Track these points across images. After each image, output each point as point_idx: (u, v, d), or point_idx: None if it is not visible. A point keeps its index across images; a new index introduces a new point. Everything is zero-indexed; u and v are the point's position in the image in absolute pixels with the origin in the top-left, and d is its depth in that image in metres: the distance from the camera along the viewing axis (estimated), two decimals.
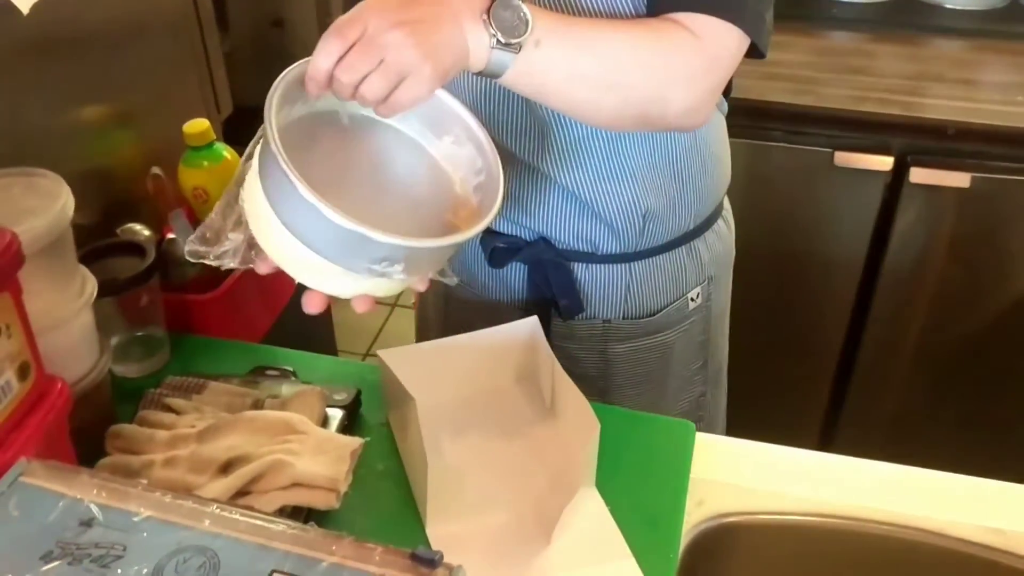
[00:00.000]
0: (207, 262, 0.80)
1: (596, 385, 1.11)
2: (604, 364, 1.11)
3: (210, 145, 1.13)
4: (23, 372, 0.74)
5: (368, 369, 1.03)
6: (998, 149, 1.52)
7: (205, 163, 1.13)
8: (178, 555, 0.61)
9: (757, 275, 1.71)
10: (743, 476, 0.93)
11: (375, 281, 0.75)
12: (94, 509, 0.64)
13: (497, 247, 1.05)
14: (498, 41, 0.75)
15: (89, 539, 0.62)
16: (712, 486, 0.91)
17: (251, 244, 0.78)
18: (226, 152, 1.15)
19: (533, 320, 0.96)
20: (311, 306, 0.78)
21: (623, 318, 1.09)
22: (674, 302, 1.10)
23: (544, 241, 1.04)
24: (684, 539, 0.86)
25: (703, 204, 1.08)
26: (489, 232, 1.05)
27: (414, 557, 0.60)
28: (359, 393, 0.97)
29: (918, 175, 1.53)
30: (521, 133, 0.97)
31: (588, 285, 1.07)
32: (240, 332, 1.14)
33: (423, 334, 1.26)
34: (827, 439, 1.88)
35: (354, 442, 0.85)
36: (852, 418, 1.85)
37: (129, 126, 1.22)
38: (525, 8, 0.76)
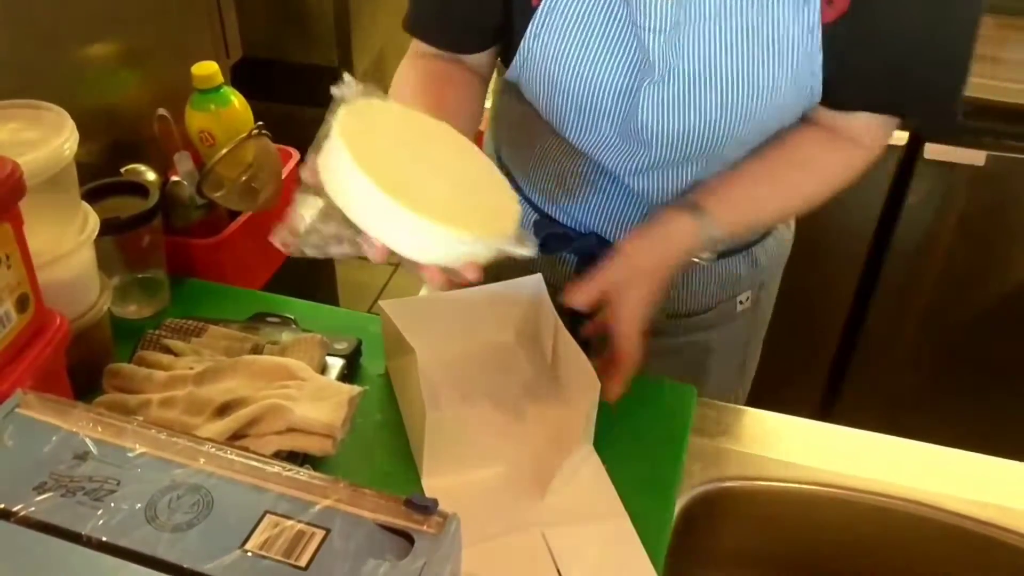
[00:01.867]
0: (309, 253, 0.77)
1: None
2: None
3: (218, 88, 1.12)
4: (22, 304, 0.73)
5: (369, 320, 1.03)
6: (1016, 128, 1.50)
7: (212, 106, 1.11)
8: (171, 492, 0.61)
9: None
10: (742, 442, 0.92)
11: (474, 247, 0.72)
12: (89, 443, 0.63)
13: (552, 234, 1.03)
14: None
15: (83, 472, 0.62)
16: (711, 450, 0.91)
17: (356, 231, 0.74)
18: (234, 96, 1.14)
19: (537, 278, 0.95)
20: (434, 283, 0.74)
21: (665, 315, 1.05)
22: (721, 303, 1.07)
23: (596, 236, 1.02)
24: (680, 502, 0.85)
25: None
26: (544, 218, 1.04)
27: (409, 504, 0.60)
28: (360, 343, 0.96)
29: (933, 151, 1.51)
30: (617, 148, 0.93)
31: None
32: (241, 279, 1.14)
33: None
34: (826, 411, 1.88)
35: (353, 390, 0.84)
36: (852, 392, 1.84)
37: (137, 65, 1.21)
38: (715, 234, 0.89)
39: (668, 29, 0.81)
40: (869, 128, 0.90)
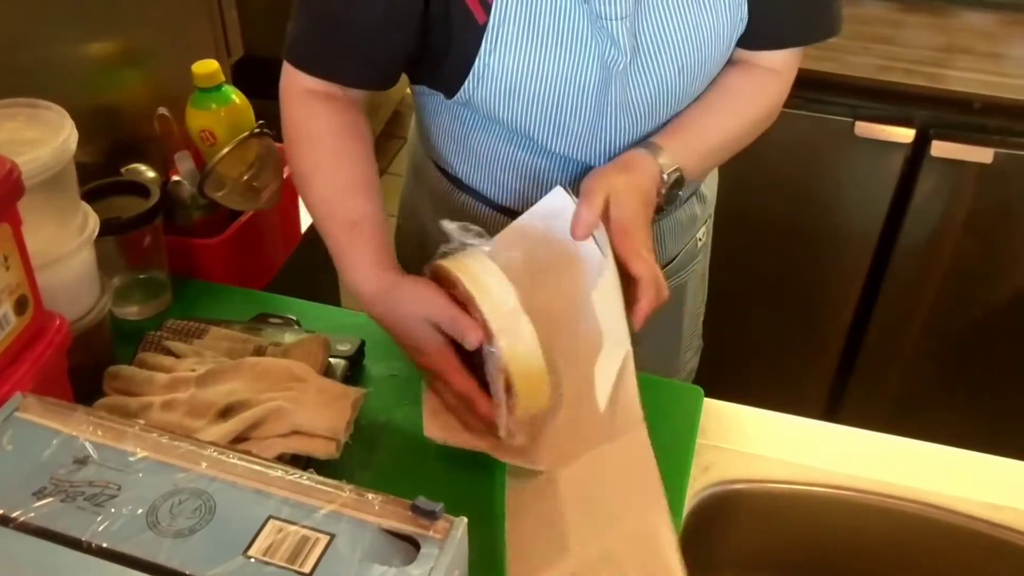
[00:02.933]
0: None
1: None
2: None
3: (219, 87, 1.11)
4: (21, 306, 0.72)
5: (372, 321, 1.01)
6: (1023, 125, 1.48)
7: (213, 105, 1.10)
8: (173, 497, 0.60)
9: (770, 243, 1.69)
10: (750, 443, 0.92)
11: None
12: (89, 447, 0.63)
13: None
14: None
15: (83, 477, 0.61)
16: (719, 452, 0.90)
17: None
18: (235, 95, 1.12)
19: (558, 191, 0.91)
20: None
21: None
22: (687, 245, 1.14)
23: None
24: (688, 503, 0.85)
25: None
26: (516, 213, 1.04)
27: (414, 508, 0.59)
28: (363, 344, 0.95)
29: (940, 149, 1.50)
30: (586, 142, 0.97)
31: None
32: (244, 279, 1.13)
33: None
34: (833, 410, 1.87)
35: (356, 392, 0.83)
36: (859, 391, 1.83)
37: (137, 64, 1.20)
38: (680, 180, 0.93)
39: (630, 13, 0.86)
40: (781, 59, 1.00)
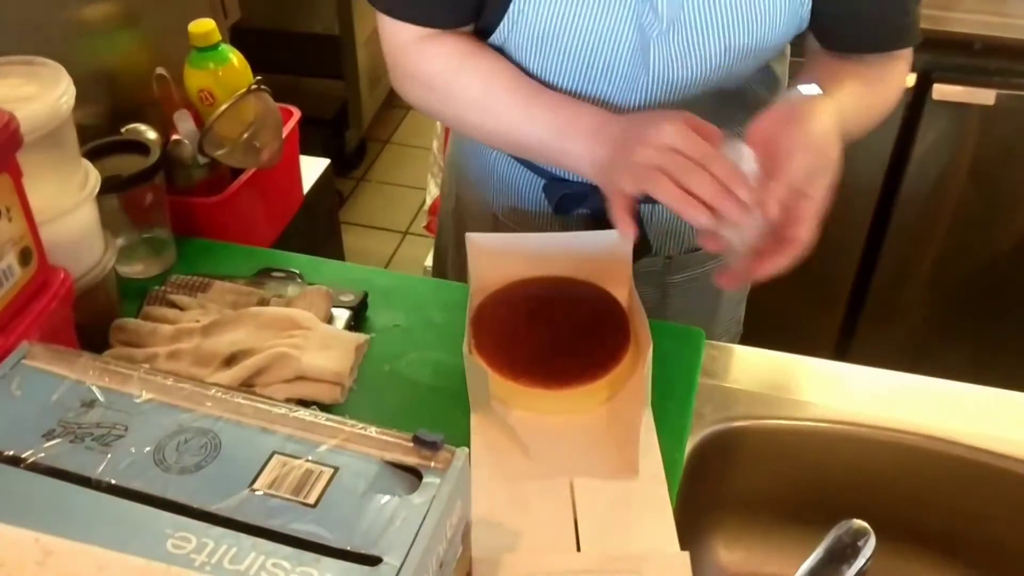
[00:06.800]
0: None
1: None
2: (661, 296, 1.08)
3: (216, 46, 1.10)
4: (25, 257, 0.73)
5: (376, 274, 1.02)
6: None
7: (211, 64, 1.10)
8: (179, 436, 0.61)
9: None
10: (752, 382, 0.92)
11: None
12: (96, 391, 0.64)
13: (565, 194, 1.01)
14: None
15: (91, 419, 0.62)
16: (721, 392, 0.91)
17: None
18: (232, 54, 1.12)
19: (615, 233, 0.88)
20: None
21: (684, 252, 1.07)
22: None
23: None
24: (692, 442, 0.85)
25: None
26: (555, 180, 1.03)
27: (416, 440, 0.60)
28: (366, 295, 0.96)
29: (941, 92, 1.49)
30: (616, 101, 0.93)
31: (656, 226, 1.03)
32: (246, 237, 1.13)
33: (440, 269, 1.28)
34: (841, 359, 1.87)
35: (359, 338, 0.84)
36: (867, 339, 1.84)
37: (134, 25, 1.20)
38: None
39: None
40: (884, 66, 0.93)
